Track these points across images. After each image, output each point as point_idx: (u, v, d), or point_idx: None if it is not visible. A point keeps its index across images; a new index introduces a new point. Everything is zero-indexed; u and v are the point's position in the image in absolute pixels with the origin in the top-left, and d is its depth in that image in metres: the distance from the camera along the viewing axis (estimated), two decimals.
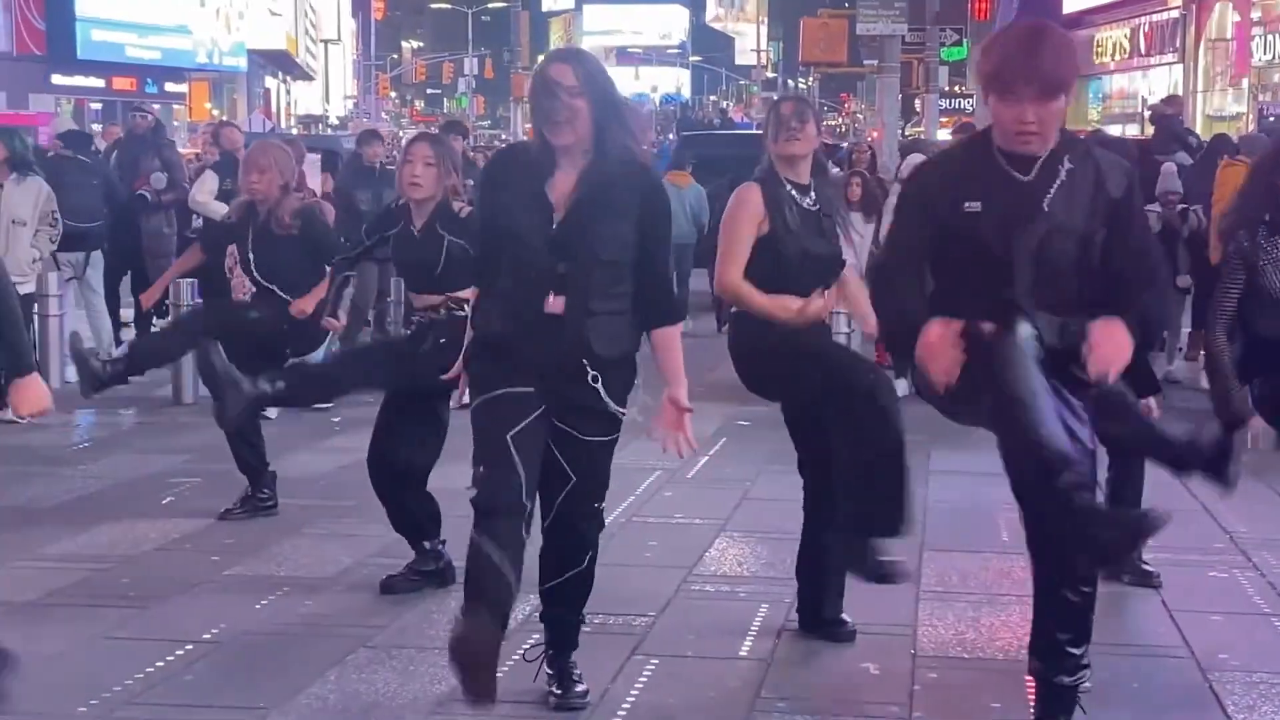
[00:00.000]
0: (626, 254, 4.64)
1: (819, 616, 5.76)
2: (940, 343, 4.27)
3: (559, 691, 5.01)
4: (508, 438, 4.54)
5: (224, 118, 37.16)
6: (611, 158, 4.64)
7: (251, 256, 7.50)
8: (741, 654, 5.63)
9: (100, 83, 37.64)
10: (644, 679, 5.35)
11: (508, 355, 4.66)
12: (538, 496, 4.70)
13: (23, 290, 10.20)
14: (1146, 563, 6.45)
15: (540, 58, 5.05)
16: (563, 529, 4.87)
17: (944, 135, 18.20)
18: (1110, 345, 4.23)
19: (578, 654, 5.05)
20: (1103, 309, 4.35)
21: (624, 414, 4.78)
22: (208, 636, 5.73)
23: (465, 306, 6.06)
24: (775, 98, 6.40)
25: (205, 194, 12.25)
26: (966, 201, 4.38)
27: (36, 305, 11.14)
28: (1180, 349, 12.40)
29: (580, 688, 5.03)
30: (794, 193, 5.60)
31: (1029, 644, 4.62)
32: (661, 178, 5.25)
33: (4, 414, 9.44)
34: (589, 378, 4.66)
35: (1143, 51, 32.06)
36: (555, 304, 4.62)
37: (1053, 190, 4.37)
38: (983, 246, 4.37)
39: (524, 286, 4.65)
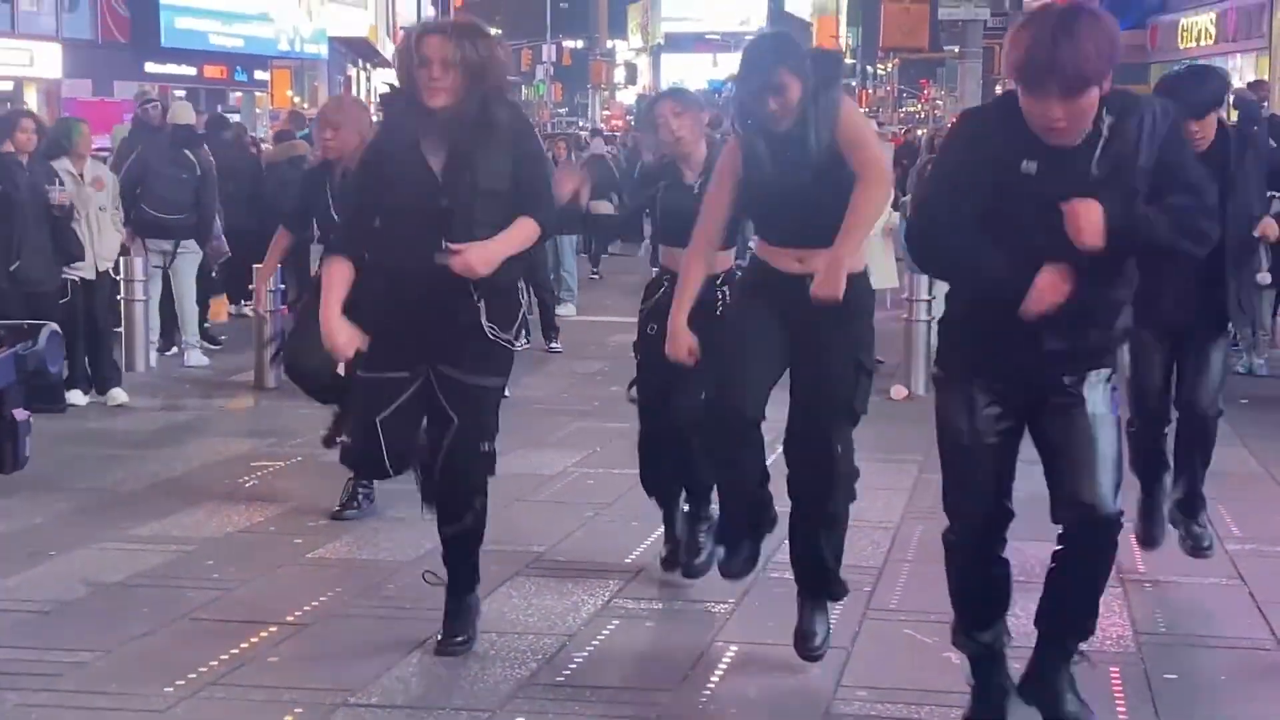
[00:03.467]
0: (504, 183, 5.01)
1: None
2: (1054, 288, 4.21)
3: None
4: (377, 420, 5.10)
5: (304, 105, 37.45)
6: (480, 104, 4.97)
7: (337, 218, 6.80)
8: None
9: (190, 70, 38.01)
10: (724, 665, 5.34)
11: (398, 305, 5.02)
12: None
13: (103, 267, 10.30)
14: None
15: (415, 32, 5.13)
16: (448, 471, 5.16)
17: None
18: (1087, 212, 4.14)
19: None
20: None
21: (512, 345, 5.14)
22: (291, 619, 5.78)
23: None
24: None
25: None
26: (1024, 160, 4.22)
27: (122, 290, 11.27)
28: (1266, 336, 12.16)
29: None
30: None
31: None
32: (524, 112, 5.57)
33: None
34: (474, 298, 5.02)
35: (1229, 37, 31.64)
36: (442, 256, 4.94)
37: (1097, 152, 4.20)
38: (1039, 208, 4.20)
39: (412, 231, 4.98)
